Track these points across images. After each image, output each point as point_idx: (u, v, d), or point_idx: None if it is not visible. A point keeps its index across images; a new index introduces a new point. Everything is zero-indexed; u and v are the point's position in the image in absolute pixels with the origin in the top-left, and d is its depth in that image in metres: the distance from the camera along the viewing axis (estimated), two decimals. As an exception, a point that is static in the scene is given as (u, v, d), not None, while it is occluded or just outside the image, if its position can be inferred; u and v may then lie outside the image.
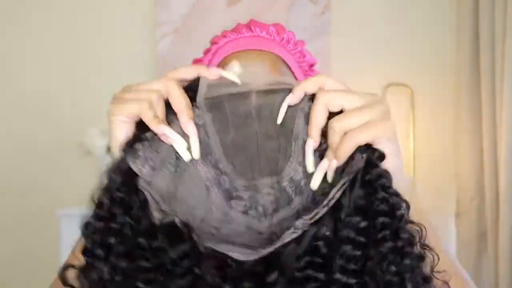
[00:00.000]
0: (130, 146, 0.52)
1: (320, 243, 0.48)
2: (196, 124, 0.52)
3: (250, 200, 0.51)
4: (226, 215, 0.51)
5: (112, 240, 0.50)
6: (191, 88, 0.54)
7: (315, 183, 0.50)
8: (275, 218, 0.51)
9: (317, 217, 0.48)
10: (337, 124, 0.50)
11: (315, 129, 0.51)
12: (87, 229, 0.51)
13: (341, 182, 0.49)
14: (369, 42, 2.27)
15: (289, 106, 0.52)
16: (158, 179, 0.51)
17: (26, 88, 2.26)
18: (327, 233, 0.49)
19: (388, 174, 0.50)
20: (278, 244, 0.48)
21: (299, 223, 0.48)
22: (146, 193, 0.50)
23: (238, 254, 0.48)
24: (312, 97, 0.53)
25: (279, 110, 0.52)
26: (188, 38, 2.18)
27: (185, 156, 0.51)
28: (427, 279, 0.50)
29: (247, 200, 0.51)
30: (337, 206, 0.49)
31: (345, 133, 0.49)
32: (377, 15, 2.29)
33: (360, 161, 0.49)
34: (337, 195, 0.48)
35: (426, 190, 2.22)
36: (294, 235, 0.48)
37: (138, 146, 0.52)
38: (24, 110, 2.24)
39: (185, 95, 0.52)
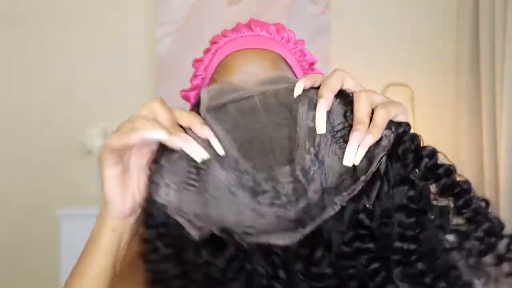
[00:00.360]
0: (150, 181, 0.53)
1: (362, 215, 0.49)
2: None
3: (274, 191, 0.51)
4: (257, 213, 0.51)
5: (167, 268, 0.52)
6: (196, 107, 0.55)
7: (357, 159, 0.50)
8: (300, 205, 0.51)
9: (354, 192, 0.49)
10: (364, 94, 0.52)
11: (327, 90, 0.52)
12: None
13: (378, 157, 0.50)
14: (369, 42, 2.27)
15: (291, 93, 0.53)
16: (184, 199, 0.51)
17: (26, 88, 2.26)
18: (368, 205, 0.49)
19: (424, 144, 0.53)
20: (318, 221, 0.48)
21: (337, 199, 0.49)
22: (177, 218, 0.51)
23: (281, 240, 0.48)
24: (318, 88, 0.53)
25: (282, 98, 0.53)
26: (188, 38, 2.18)
27: (203, 155, 0.51)
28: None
29: (271, 191, 0.51)
30: (376, 180, 0.50)
31: (372, 109, 0.52)
32: (377, 15, 2.29)
33: (391, 136, 0.51)
34: (374, 169, 0.49)
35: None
36: (333, 212, 0.48)
37: (157, 176, 0.52)
38: (24, 110, 2.24)
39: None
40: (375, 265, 0.49)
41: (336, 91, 0.53)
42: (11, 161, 2.23)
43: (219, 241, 0.49)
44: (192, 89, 0.83)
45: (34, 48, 2.26)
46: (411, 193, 0.50)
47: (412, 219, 0.50)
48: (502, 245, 0.52)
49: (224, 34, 0.81)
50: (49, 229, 2.12)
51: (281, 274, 0.49)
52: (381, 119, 0.51)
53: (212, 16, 2.20)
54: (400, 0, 2.29)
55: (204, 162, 0.52)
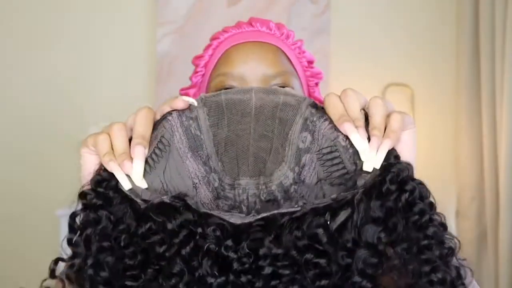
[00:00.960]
0: None
1: (320, 230, 0.49)
2: (187, 117, 0.53)
3: (234, 199, 0.51)
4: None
5: (90, 231, 0.50)
6: None
7: (377, 164, 0.50)
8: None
9: (321, 205, 0.48)
10: (381, 101, 0.53)
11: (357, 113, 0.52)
12: (71, 218, 0.52)
13: (358, 189, 0.49)
14: (369, 42, 2.27)
15: (289, 109, 0.53)
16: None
17: (26, 88, 2.26)
18: (329, 222, 0.49)
19: (411, 167, 0.52)
20: (273, 212, 0.48)
21: (300, 202, 0.49)
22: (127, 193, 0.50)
23: (233, 217, 0.48)
24: (313, 104, 0.53)
25: (280, 111, 0.52)
26: (188, 38, 2.18)
27: (125, 185, 0.50)
28: (458, 267, 0.52)
29: (232, 199, 0.51)
30: (347, 207, 0.49)
31: (387, 115, 0.52)
32: (377, 15, 2.29)
33: (376, 171, 0.50)
34: (347, 196, 0.49)
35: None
36: (292, 209, 0.48)
37: None
38: (24, 110, 2.24)
39: (149, 125, 0.53)
40: (323, 282, 0.48)
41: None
42: (11, 160, 2.23)
43: (169, 208, 0.49)
44: (192, 87, 0.83)
45: (34, 48, 2.26)
46: (382, 234, 0.49)
47: (376, 260, 0.49)
48: None
49: (225, 30, 0.82)
50: (49, 229, 2.12)
51: (229, 242, 0.48)
52: (397, 123, 0.51)
53: (212, 16, 2.20)
54: (400, 0, 2.29)
55: (172, 146, 0.52)
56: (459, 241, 0.53)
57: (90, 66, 2.27)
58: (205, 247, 0.48)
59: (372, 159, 0.50)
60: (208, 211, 0.49)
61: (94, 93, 2.26)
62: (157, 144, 0.52)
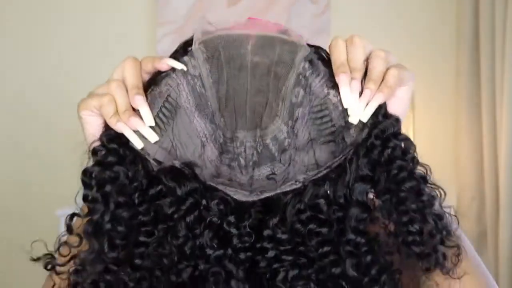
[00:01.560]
0: None
1: (321, 201, 0.51)
2: (192, 75, 0.54)
3: (233, 152, 0.53)
4: (217, 170, 0.53)
5: (108, 188, 0.52)
6: (188, 44, 0.57)
7: (365, 117, 0.51)
8: (256, 172, 0.53)
9: (319, 175, 0.51)
10: (383, 53, 0.54)
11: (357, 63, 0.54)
12: (85, 175, 0.54)
13: (347, 149, 0.52)
14: (369, 42, 2.27)
15: (283, 66, 0.54)
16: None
17: (26, 88, 2.26)
18: (329, 192, 0.51)
19: (399, 123, 0.53)
20: (277, 191, 0.51)
21: (301, 177, 0.51)
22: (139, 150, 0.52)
23: (237, 194, 0.50)
24: (309, 59, 0.54)
25: (275, 66, 0.53)
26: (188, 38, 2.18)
27: (137, 144, 0.52)
28: (440, 216, 0.54)
29: (231, 152, 0.53)
30: (340, 172, 0.52)
31: (387, 69, 0.53)
32: (377, 15, 2.29)
33: (365, 130, 0.52)
34: (340, 160, 0.51)
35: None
36: (294, 187, 0.51)
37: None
38: (24, 109, 2.24)
39: (138, 74, 0.55)
40: (326, 249, 0.51)
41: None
42: (11, 160, 2.23)
43: (179, 174, 0.51)
44: None
45: (34, 47, 2.26)
46: (368, 189, 0.52)
47: (366, 215, 0.52)
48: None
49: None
50: (49, 229, 2.12)
51: (232, 219, 0.51)
52: (393, 79, 0.52)
53: (212, 16, 2.20)
54: (400, 0, 2.29)
55: (179, 106, 0.53)
56: (443, 190, 0.56)
57: (90, 66, 2.26)
58: (208, 219, 0.50)
59: (359, 112, 0.51)
60: (214, 184, 0.51)
61: (94, 93, 2.26)
62: (163, 103, 0.53)
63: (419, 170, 0.54)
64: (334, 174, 0.52)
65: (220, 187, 0.51)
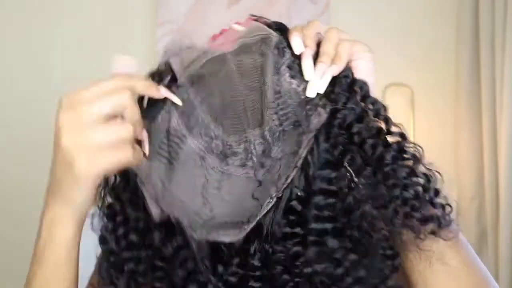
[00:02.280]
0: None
1: (294, 202, 0.52)
2: (181, 100, 0.54)
3: (245, 152, 0.53)
4: (223, 174, 0.53)
5: (119, 233, 0.57)
6: (161, 74, 0.59)
7: (321, 87, 0.53)
8: (265, 166, 0.53)
9: (288, 180, 0.52)
10: (334, 34, 0.57)
11: (310, 40, 0.55)
12: (102, 219, 0.59)
13: (308, 139, 0.52)
14: (369, 42, 2.26)
15: (263, 58, 0.55)
16: (153, 173, 0.53)
17: (26, 88, 2.26)
18: (299, 193, 0.52)
19: (366, 85, 0.57)
20: (259, 216, 0.52)
21: (273, 191, 0.51)
22: (144, 191, 0.53)
23: (227, 237, 0.52)
24: (277, 48, 0.55)
25: (258, 63, 0.54)
26: (188, 38, 2.18)
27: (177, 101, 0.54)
28: (427, 175, 0.56)
29: (242, 153, 0.53)
30: (306, 164, 0.53)
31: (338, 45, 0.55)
32: (377, 15, 2.29)
33: (322, 115, 0.53)
34: (303, 154, 0.52)
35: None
36: (271, 204, 0.52)
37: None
38: (24, 109, 2.24)
39: (137, 108, 0.53)
40: (296, 248, 0.52)
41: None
42: (11, 160, 2.23)
43: (172, 226, 0.53)
44: None
45: (34, 47, 2.26)
46: (332, 175, 0.53)
47: (330, 201, 0.52)
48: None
49: (223, 33, 0.81)
50: (49, 229, 2.12)
51: (220, 269, 0.53)
52: (344, 50, 0.55)
53: (212, 16, 2.20)
54: (399, 0, 2.29)
55: (176, 133, 0.53)
56: (421, 147, 0.58)
57: (90, 66, 2.26)
58: (197, 277, 0.54)
59: (316, 84, 0.52)
60: (203, 237, 0.52)
61: (94, 93, 2.25)
62: (165, 139, 0.54)
63: (395, 130, 0.55)
64: (300, 172, 0.53)
65: (211, 237, 0.52)
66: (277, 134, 0.53)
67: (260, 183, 0.52)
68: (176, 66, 0.57)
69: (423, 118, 2.23)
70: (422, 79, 2.25)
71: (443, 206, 0.56)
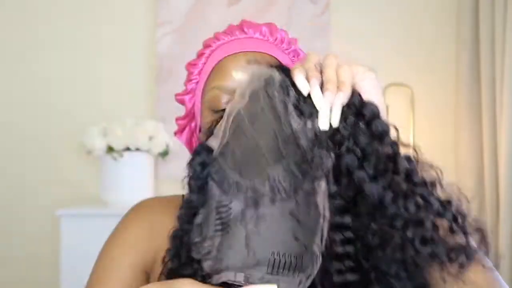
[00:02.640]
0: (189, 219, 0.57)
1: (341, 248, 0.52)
2: (216, 170, 0.57)
3: (271, 190, 0.53)
4: (258, 219, 0.53)
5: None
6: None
7: (334, 120, 0.51)
8: (298, 195, 0.52)
9: (324, 237, 0.49)
10: (332, 60, 0.56)
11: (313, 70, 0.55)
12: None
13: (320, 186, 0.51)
14: (369, 42, 2.27)
15: (268, 95, 0.54)
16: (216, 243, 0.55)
17: (26, 88, 2.26)
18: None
19: (375, 107, 0.53)
20: (309, 282, 0.49)
21: (316, 247, 0.49)
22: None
23: (287, 285, 0.50)
24: (282, 86, 0.55)
25: (265, 106, 0.54)
26: (188, 38, 2.18)
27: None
28: (448, 202, 0.53)
29: (269, 191, 0.53)
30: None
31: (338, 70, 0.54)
32: (377, 15, 2.29)
33: (328, 161, 0.51)
34: (327, 214, 0.50)
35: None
36: (319, 264, 0.49)
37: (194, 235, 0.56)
38: (24, 109, 2.24)
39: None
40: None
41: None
42: (11, 160, 2.23)
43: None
44: (187, 92, 0.83)
45: (34, 47, 2.26)
46: (347, 220, 0.51)
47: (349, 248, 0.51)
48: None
49: (217, 37, 0.80)
50: (49, 229, 2.12)
51: None
52: (345, 73, 0.54)
53: (212, 16, 2.20)
54: (399, 1, 2.29)
55: (221, 205, 0.56)
56: (439, 170, 0.56)
57: (90, 66, 2.27)
58: None
59: (327, 115, 0.51)
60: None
61: (94, 93, 2.26)
62: (217, 220, 0.56)
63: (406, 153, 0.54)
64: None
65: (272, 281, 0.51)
66: (304, 167, 0.52)
67: (296, 218, 0.52)
68: (212, 144, 0.59)
69: (423, 118, 2.23)
70: (422, 79, 2.25)
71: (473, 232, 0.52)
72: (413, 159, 0.53)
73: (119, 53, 2.27)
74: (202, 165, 0.57)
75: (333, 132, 0.52)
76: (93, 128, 1.98)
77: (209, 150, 0.58)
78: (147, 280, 0.75)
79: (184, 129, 0.83)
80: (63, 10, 2.27)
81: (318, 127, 0.52)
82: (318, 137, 0.52)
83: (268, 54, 0.77)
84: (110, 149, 1.96)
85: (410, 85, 2.21)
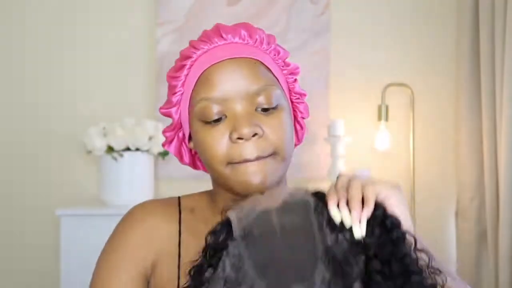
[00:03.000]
0: None
1: None
2: (234, 255, 0.60)
3: None
4: None
5: None
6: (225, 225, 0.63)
7: (363, 231, 0.60)
8: None
9: None
10: (356, 179, 0.64)
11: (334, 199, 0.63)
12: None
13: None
14: (369, 42, 2.27)
15: (304, 222, 0.60)
16: None
17: (26, 89, 2.26)
18: None
19: (398, 221, 0.62)
20: None
21: None
22: None
23: None
24: (322, 204, 0.62)
25: (300, 226, 0.60)
26: (188, 38, 2.17)
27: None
28: None
29: None
30: None
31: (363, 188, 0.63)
32: (377, 15, 2.29)
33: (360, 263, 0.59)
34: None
35: (426, 190, 2.23)
36: None
37: None
38: (24, 110, 2.24)
39: None
40: None
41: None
42: (11, 160, 2.23)
43: None
44: (173, 105, 0.82)
45: (33, 47, 2.26)
46: None
47: None
48: None
49: (195, 46, 0.79)
50: (49, 228, 2.12)
51: None
52: (369, 191, 0.62)
53: (212, 16, 2.20)
54: (399, 1, 2.29)
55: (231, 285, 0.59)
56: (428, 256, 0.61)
57: (90, 66, 2.27)
58: None
59: (358, 230, 0.60)
60: None
61: (94, 93, 2.26)
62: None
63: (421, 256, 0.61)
64: None
65: None
66: (331, 285, 0.57)
67: None
68: (233, 220, 0.63)
69: (423, 118, 2.23)
70: (422, 79, 2.25)
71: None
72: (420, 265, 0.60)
73: (119, 53, 2.27)
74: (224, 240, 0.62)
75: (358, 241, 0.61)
76: (93, 128, 1.98)
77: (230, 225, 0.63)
78: (148, 285, 0.77)
79: (172, 140, 0.83)
80: (63, 10, 2.27)
81: (350, 238, 0.60)
82: (353, 245, 0.59)
83: (252, 58, 0.76)
84: (110, 149, 1.96)
85: (410, 85, 2.21)
